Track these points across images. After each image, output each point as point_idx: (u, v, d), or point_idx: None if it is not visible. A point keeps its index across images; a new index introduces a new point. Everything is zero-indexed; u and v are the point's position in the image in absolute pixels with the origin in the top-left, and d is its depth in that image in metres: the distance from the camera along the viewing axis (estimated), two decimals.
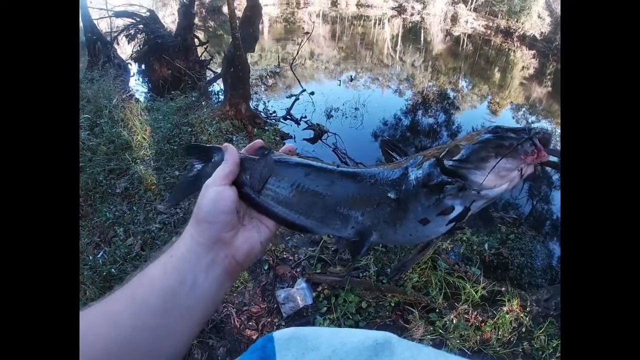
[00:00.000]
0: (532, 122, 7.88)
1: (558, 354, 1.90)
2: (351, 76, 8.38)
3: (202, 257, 0.38)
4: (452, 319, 1.95)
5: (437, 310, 2.03)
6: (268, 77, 7.51)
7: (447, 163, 0.43)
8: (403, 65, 10.46)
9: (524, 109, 8.69)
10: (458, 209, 0.43)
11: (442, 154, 0.45)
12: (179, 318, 0.36)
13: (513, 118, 8.11)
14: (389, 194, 0.45)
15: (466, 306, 2.02)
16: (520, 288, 2.37)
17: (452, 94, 8.31)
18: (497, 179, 0.42)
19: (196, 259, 0.38)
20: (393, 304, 2.03)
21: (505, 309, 2.03)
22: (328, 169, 0.48)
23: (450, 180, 0.43)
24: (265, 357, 0.41)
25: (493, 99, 8.94)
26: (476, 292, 2.09)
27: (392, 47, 12.03)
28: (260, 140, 0.51)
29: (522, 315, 2.05)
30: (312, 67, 9.33)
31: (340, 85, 7.63)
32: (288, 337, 0.44)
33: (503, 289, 2.16)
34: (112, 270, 2.15)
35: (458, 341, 1.89)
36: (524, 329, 2.01)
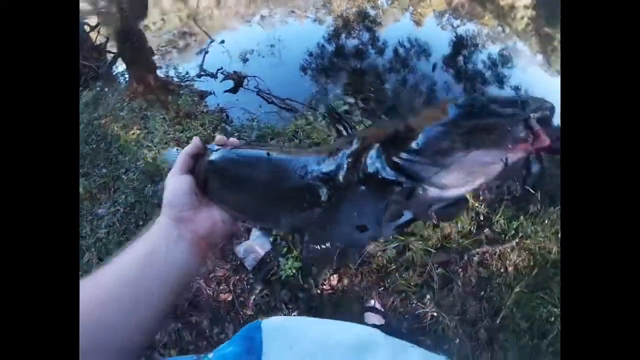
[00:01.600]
0: (458, 26, 7.90)
1: (520, 234, 2.10)
2: (261, 15, 7.80)
3: (171, 231, 0.46)
4: None
5: None
6: (178, 39, 6.78)
7: (393, 156, 0.32)
8: None
9: (447, 15, 8.67)
10: (407, 216, 0.35)
11: (389, 138, 0.34)
12: (155, 280, 0.42)
13: (438, 25, 8.08)
14: (320, 192, 0.37)
15: None
16: None
17: (372, 12, 8.06)
18: (467, 177, 0.31)
19: (167, 232, 0.46)
20: None
21: None
22: (259, 161, 0.45)
23: (396, 180, 0.32)
24: (253, 348, 0.43)
25: (415, 9, 8.79)
26: None
27: None
28: (197, 138, 0.54)
29: (476, 205, 2.22)
30: (220, 17, 8.49)
31: (251, 26, 7.07)
32: (276, 327, 0.46)
33: None
34: None
35: (420, 242, 2.05)
36: (481, 217, 2.19)
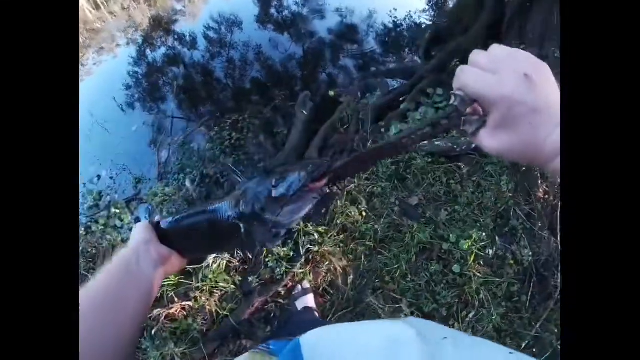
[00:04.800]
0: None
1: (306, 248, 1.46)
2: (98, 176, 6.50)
3: (140, 247, 0.53)
4: None
5: None
6: None
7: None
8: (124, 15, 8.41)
9: None
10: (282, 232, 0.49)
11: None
12: (131, 287, 0.48)
13: None
14: (240, 227, 0.50)
15: None
16: None
17: (179, 6, 7.07)
18: (295, 213, 0.45)
19: (136, 248, 0.53)
20: None
21: None
22: (198, 216, 0.56)
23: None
24: None
25: None
26: None
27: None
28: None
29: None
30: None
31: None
32: (315, 342, 0.46)
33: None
34: None
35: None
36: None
